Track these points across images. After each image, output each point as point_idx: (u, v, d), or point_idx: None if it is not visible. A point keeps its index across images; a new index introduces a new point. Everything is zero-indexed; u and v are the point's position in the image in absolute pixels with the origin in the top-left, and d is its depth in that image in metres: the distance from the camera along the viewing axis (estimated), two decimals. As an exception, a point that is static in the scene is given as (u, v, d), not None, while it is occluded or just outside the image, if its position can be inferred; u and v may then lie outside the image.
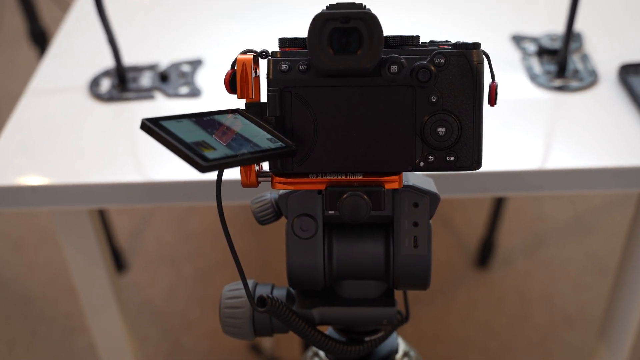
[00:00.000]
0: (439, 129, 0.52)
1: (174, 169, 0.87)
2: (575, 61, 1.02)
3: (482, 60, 0.51)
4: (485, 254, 1.78)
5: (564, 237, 1.88)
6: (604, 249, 1.84)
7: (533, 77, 1.00)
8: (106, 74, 1.06)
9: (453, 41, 0.53)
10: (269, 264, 1.81)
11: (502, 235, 1.86)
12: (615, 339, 1.12)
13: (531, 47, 1.06)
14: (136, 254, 1.88)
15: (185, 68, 1.06)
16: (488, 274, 1.78)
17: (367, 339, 0.64)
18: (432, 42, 0.53)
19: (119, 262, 1.81)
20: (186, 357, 1.61)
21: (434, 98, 0.51)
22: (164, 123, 0.45)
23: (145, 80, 1.04)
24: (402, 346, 0.70)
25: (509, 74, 1.01)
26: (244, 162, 0.46)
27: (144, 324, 1.69)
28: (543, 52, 1.04)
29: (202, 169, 0.42)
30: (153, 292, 1.77)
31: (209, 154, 0.43)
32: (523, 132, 0.91)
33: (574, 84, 0.98)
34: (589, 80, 0.99)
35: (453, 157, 0.52)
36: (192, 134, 0.45)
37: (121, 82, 1.02)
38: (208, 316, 1.70)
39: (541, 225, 1.92)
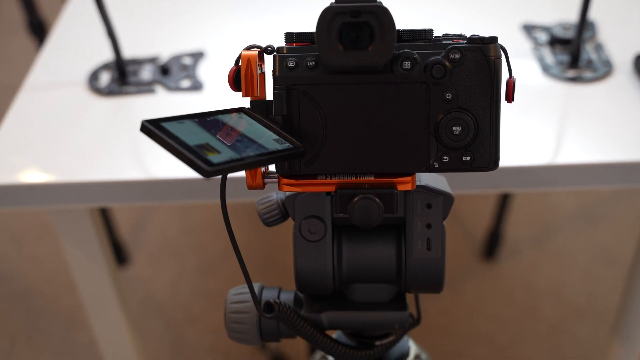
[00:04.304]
0: (454, 128, 0.49)
1: (176, 165, 0.85)
2: (588, 51, 1.00)
3: (500, 55, 0.49)
4: (492, 245, 1.76)
5: (572, 227, 1.86)
6: (612, 239, 1.82)
7: (545, 68, 0.97)
8: (105, 67, 1.03)
9: (467, 34, 0.50)
10: (273, 256, 1.79)
11: (509, 226, 1.84)
12: (629, 333, 1.10)
13: (543, 37, 1.04)
14: (139, 247, 1.87)
15: (187, 61, 1.04)
16: (495, 266, 1.76)
17: (377, 343, 0.62)
18: (445, 36, 0.51)
19: (121, 255, 1.79)
20: (190, 351, 1.60)
21: (449, 95, 0.49)
22: (165, 125, 0.43)
23: (146, 73, 1.01)
24: (413, 349, 0.68)
25: (520, 65, 0.99)
26: (250, 165, 0.44)
27: (147, 318, 1.67)
28: (555, 42, 1.01)
29: (207, 174, 0.40)
30: (156, 286, 1.76)
31: (213, 158, 0.41)
32: (535, 125, 0.89)
33: (588, 74, 0.96)
34: (603, 70, 0.96)
35: (469, 157, 0.50)
36: (195, 136, 0.43)
37: (121, 76, 1.00)
38: (212, 309, 1.68)
39: (549, 216, 1.90)
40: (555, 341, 1.58)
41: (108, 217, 1.68)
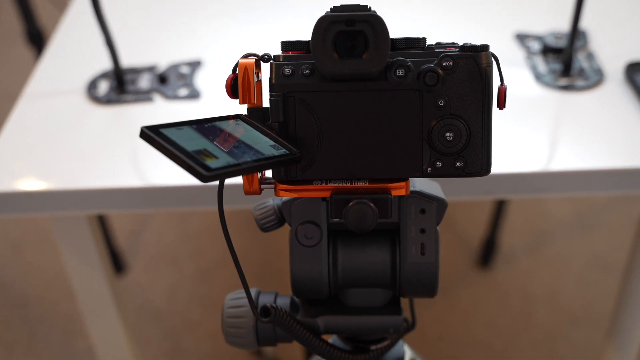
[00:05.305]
0: (447, 134, 0.50)
1: (173, 173, 0.86)
2: (580, 60, 1.01)
3: (491, 63, 0.50)
4: (487, 252, 1.77)
5: (567, 234, 1.87)
6: (607, 246, 1.83)
7: (538, 76, 0.99)
8: (104, 76, 1.04)
9: (460, 43, 0.51)
10: (270, 263, 1.80)
11: (505, 234, 1.85)
12: (623, 339, 1.11)
13: (535, 46, 1.05)
14: (136, 254, 1.87)
15: (184, 69, 1.05)
16: (491, 273, 1.77)
17: (372, 347, 0.63)
18: (438, 44, 0.52)
19: (118, 263, 1.79)
20: (188, 358, 1.60)
21: (441, 102, 0.50)
22: (164, 131, 0.43)
23: (144, 82, 1.02)
24: (408, 353, 0.68)
25: (513, 73, 1.00)
26: (247, 170, 0.45)
27: (145, 325, 1.67)
28: (547, 51, 1.02)
29: (204, 179, 0.41)
30: (154, 293, 1.76)
31: (211, 163, 0.42)
32: (528, 132, 0.90)
33: (580, 83, 0.97)
34: (595, 79, 0.97)
35: (462, 163, 0.51)
36: (193, 141, 0.44)
37: (119, 85, 1.01)
38: (209, 317, 1.68)
39: (544, 223, 1.91)
40: (550, 347, 1.58)
41: (106, 224, 1.69)
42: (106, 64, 1.05)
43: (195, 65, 1.06)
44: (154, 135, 0.42)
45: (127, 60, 1.06)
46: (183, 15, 1.21)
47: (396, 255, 0.57)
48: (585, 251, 1.82)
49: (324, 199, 0.55)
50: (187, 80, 1.02)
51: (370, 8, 0.47)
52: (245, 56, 0.51)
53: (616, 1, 1.18)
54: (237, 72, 0.50)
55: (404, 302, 0.62)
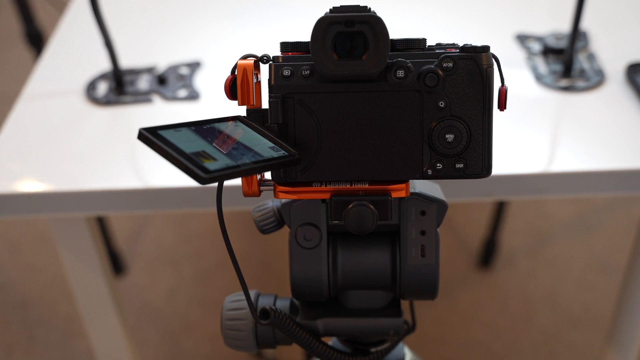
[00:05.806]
0: (447, 136, 0.50)
1: (173, 174, 0.86)
2: (581, 60, 1.01)
3: (492, 64, 0.50)
4: (487, 254, 1.77)
5: (567, 236, 1.87)
6: (607, 248, 1.82)
7: (538, 77, 0.98)
8: (103, 77, 1.04)
9: (460, 43, 0.51)
10: (269, 264, 1.79)
11: (505, 235, 1.84)
12: (623, 341, 1.11)
13: (536, 47, 1.05)
14: (136, 255, 1.87)
15: (184, 71, 1.05)
16: (491, 274, 1.76)
17: (372, 349, 0.62)
18: (439, 45, 0.51)
19: (118, 264, 1.79)
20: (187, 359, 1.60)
21: (442, 103, 0.50)
22: (162, 132, 0.43)
23: (143, 83, 1.02)
24: (408, 355, 0.68)
25: (513, 74, 1.00)
26: (246, 172, 0.44)
27: (144, 327, 1.67)
28: (548, 52, 1.02)
29: (203, 181, 0.41)
30: (153, 294, 1.76)
31: (209, 165, 0.42)
32: (529, 133, 0.90)
33: (581, 84, 0.97)
34: (596, 80, 0.97)
35: (462, 165, 0.51)
36: (191, 143, 0.44)
37: (118, 86, 1.00)
38: (209, 318, 1.68)
39: (544, 225, 1.91)
40: (550, 349, 1.58)
41: (105, 226, 1.69)
42: (105, 65, 1.05)
43: (194, 66, 1.06)
44: (151, 137, 0.42)
45: (126, 61, 1.06)
46: (182, 16, 1.21)
47: (396, 257, 0.56)
48: (586, 253, 1.82)
49: (323, 200, 0.55)
50: (186, 81, 1.02)
51: (369, 9, 0.47)
52: (244, 57, 0.51)
53: (617, 2, 1.18)
54: (236, 73, 0.50)
55: (404, 303, 0.62)
